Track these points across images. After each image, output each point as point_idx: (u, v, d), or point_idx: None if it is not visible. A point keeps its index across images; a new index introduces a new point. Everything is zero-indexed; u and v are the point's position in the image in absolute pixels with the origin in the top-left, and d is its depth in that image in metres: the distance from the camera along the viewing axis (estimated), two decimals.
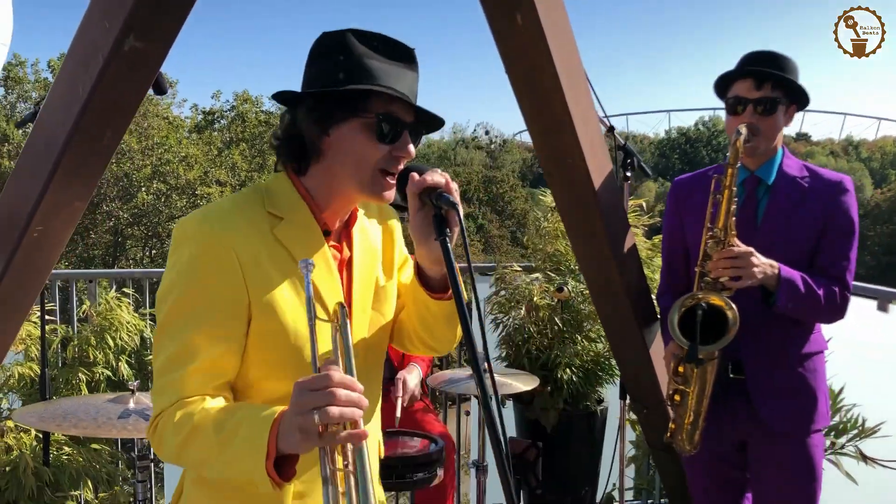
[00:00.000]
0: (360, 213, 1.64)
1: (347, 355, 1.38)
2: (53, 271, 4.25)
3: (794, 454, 2.52)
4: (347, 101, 1.43)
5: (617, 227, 2.69)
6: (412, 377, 3.42)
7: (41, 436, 3.26)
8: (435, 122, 1.56)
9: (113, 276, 4.39)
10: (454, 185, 1.46)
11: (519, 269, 4.07)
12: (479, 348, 1.30)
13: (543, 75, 2.21)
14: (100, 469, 3.41)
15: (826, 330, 2.68)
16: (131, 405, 2.60)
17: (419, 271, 1.57)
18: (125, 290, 3.93)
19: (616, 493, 4.10)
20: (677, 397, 2.50)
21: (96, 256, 21.28)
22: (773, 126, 2.47)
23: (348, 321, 1.43)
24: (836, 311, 2.51)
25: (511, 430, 4.07)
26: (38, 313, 3.38)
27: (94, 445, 3.54)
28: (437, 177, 1.44)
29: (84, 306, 3.84)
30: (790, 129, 2.62)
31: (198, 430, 1.32)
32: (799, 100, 2.53)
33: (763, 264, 2.35)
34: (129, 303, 3.84)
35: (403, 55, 1.48)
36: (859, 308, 4.25)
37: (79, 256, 20.65)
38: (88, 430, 2.55)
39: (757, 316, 2.45)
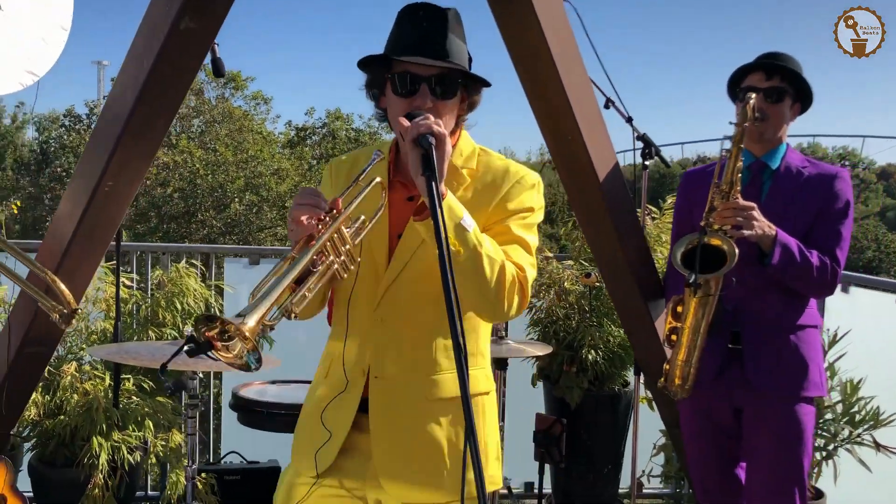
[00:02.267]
0: (477, 164, 1.87)
1: None
2: (133, 243, 4.74)
3: (783, 418, 2.67)
4: (379, 68, 1.79)
5: (618, 204, 2.93)
6: None
7: (113, 384, 3.71)
8: (469, 76, 1.80)
9: (183, 251, 4.88)
10: (438, 128, 1.63)
11: (551, 255, 4.32)
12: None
13: (540, 60, 2.50)
14: (161, 417, 3.84)
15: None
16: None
17: (420, 205, 1.75)
18: (193, 262, 4.39)
19: (645, 480, 4.27)
20: (673, 337, 2.68)
21: None
22: (779, 114, 2.70)
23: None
24: (825, 285, 2.68)
25: (540, 407, 4.30)
26: (122, 278, 3.86)
27: (160, 398, 3.97)
28: (421, 121, 1.64)
29: (157, 273, 4.32)
30: None
31: None
32: (804, 100, 2.75)
33: (762, 221, 2.55)
34: (197, 274, 4.29)
35: (429, 19, 1.76)
36: (881, 302, 4.32)
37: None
38: (144, 362, 2.99)
39: (757, 289, 2.65)
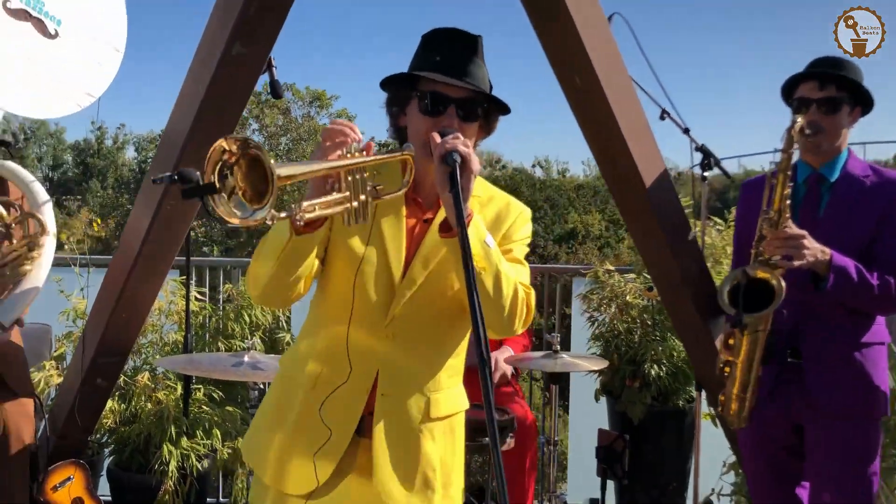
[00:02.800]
0: (482, 193, 1.94)
1: None
2: (203, 258, 4.92)
3: (850, 439, 2.57)
4: (406, 86, 1.82)
5: (669, 216, 2.88)
6: (502, 357, 3.72)
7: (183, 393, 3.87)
8: (494, 101, 1.85)
9: None
10: (464, 149, 1.66)
11: (612, 268, 4.28)
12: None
13: (581, 74, 2.50)
14: (229, 426, 3.98)
15: None
16: (245, 359, 3.13)
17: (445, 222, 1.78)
18: None
19: (715, 499, 4.16)
20: (727, 369, 2.64)
21: None
22: (835, 125, 2.60)
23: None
24: (890, 301, 2.57)
25: (603, 422, 4.25)
26: (193, 292, 4.04)
27: (229, 407, 4.11)
28: (452, 140, 1.68)
29: (226, 286, 4.49)
30: None
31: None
32: (864, 102, 2.64)
33: (814, 248, 2.47)
34: None
35: (459, 43, 1.82)
36: None
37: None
38: (206, 373, 3.12)
39: (818, 304, 2.57)
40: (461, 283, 1.78)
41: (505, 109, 1.89)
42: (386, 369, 1.87)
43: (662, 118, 3.29)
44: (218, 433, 3.89)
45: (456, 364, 1.98)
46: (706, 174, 3.38)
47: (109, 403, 3.80)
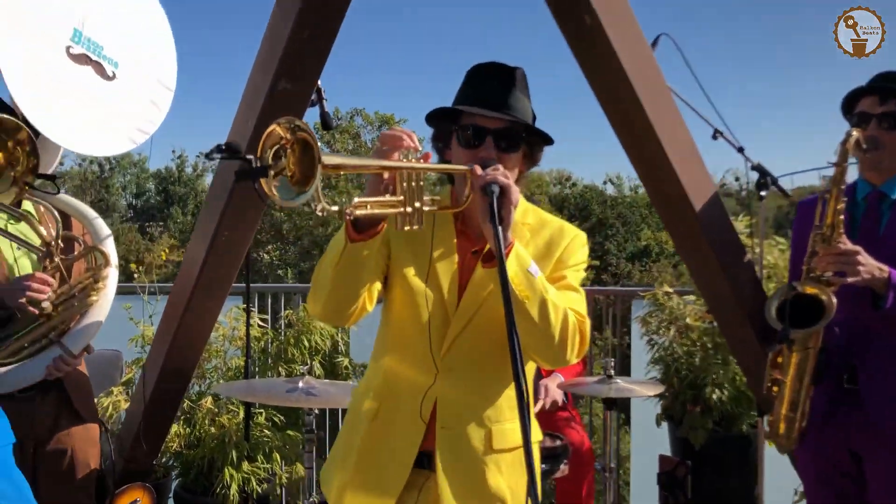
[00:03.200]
0: (533, 220, 1.96)
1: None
2: (263, 285, 5.04)
3: None
4: (446, 121, 1.88)
5: (719, 236, 2.82)
6: (553, 384, 3.69)
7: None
8: (535, 131, 1.89)
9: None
10: (503, 179, 1.70)
11: (671, 290, 4.19)
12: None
13: (621, 98, 2.48)
14: (289, 451, 4.05)
15: None
16: (300, 385, 3.18)
17: (488, 252, 1.81)
18: None
19: None
20: (775, 389, 2.56)
21: None
22: None
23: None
24: None
25: (665, 447, 4.16)
26: (255, 318, 4.15)
27: (289, 432, 4.19)
28: (491, 171, 1.71)
29: (286, 313, 4.58)
30: None
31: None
32: None
33: (870, 265, 2.39)
34: None
35: (498, 77, 1.86)
36: None
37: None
38: (263, 399, 3.20)
39: (873, 324, 2.48)
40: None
41: (547, 140, 1.91)
42: (444, 402, 1.88)
43: (715, 138, 3.24)
44: (278, 457, 3.96)
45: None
46: (763, 193, 3.31)
47: (175, 427, 3.92)
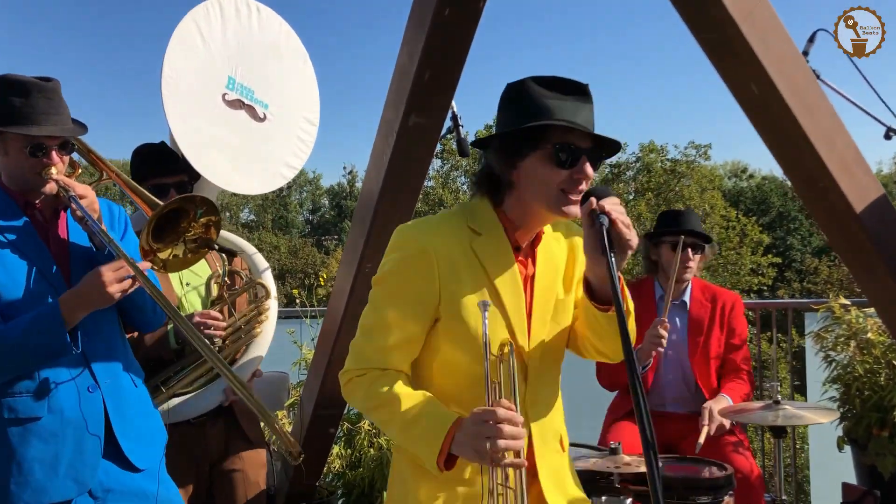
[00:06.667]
0: (549, 230, 1.93)
1: (513, 388, 1.74)
2: None
3: None
4: (529, 137, 1.74)
5: (892, 247, 2.53)
6: (719, 406, 3.47)
7: None
8: (612, 146, 1.82)
9: None
10: (618, 210, 1.65)
11: (848, 302, 3.81)
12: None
13: (770, 110, 2.28)
14: None
15: None
16: None
17: (587, 284, 1.80)
18: None
19: None
20: None
21: None
22: None
23: (513, 359, 1.77)
24: None
25: (847, 474, 3.80)
26: None
27: None
28: (607, 202, 1.66)
29: None
30: None
31: (389, 404, 1.74)
32: None
33: None
34: None
35: (577, 90, 1.75)
36: None
37: None
38: None
39: None
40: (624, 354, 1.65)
41: (615, 148, 1.83)
42: (537, 430, 1.87)
43: (888, 137, 2.94)
44: None
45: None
46: None
47: (336, 448, 4.05)
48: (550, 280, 1.90)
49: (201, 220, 2.39)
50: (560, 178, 1.73)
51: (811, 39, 2.86)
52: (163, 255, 2.37)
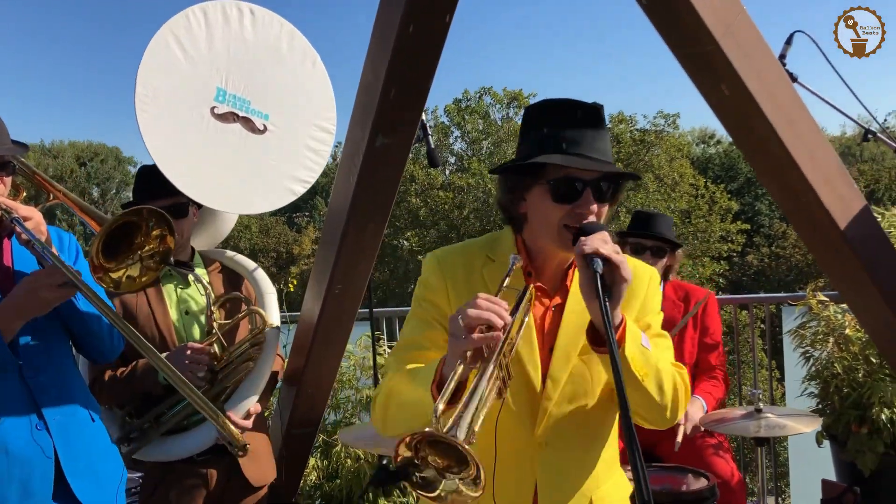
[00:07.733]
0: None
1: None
2: (387, 308, 5.02)
3: None
4: (527, 172, 1.66)
5: (876, 260, 2.48)
6: (694, 408, 3.43)
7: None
8: (628, 174, 1.72)
9: None
10: (609, 248, 1.53)
11: (825, 298, 3.78)
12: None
13: (752, 127, 2.20)
14: None
15: None
16: None
17: (596, 334, 1.65)
18: None
19: None
20: None
21: None
22: None
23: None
24: None
25: (826, 471, 3.79)
26: (385, 346, 4.12)
27: None
28: (593, 242, 1.54)
29: None
30: None
31: (399, 376, 1.70)
32: None
33: None
34: None
35: (584, 117, 1.65)
36: None
37: None
38: (386, 449, 3.11)
39: None
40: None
41: (633, 178, 1.78)
42: (544, 479, 1.75)
43: (867, 139, 2.88)
44: (414, 492, 3.92)
45: (612, 454, 1.86)
46: None
47: (312, 461, 3.97)
48: (584, 315, 1.68)
49: (153, 232, 2.26)
50: (561, 213, 1.65)
51: (788, 42, 2.79)
52: (115, 275, 2.23)
